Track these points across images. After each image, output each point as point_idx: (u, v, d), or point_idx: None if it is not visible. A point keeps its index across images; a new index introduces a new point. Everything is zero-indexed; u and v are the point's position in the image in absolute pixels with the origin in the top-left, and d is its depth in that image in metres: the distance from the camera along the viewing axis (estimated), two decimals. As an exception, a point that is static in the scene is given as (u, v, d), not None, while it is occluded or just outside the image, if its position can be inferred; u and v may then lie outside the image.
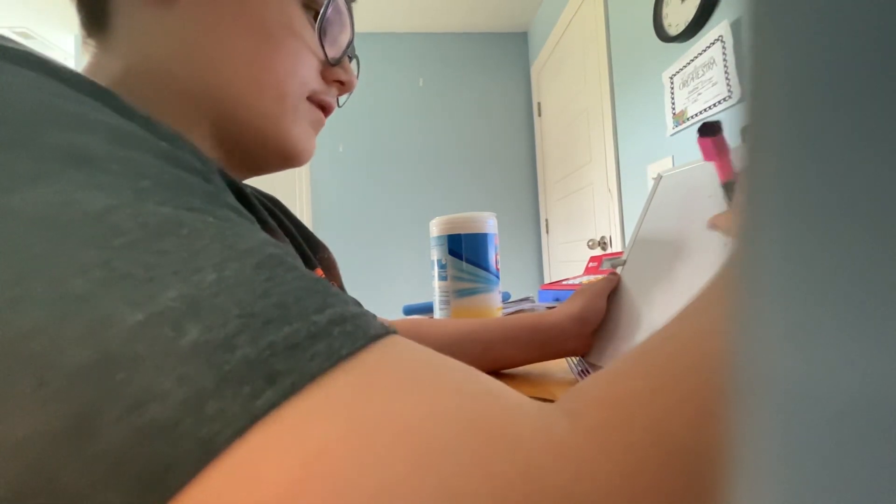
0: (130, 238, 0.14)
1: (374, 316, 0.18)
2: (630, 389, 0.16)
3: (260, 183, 2.61)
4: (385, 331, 0.16)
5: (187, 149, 0.21)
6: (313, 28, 0.35)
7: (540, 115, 2.79)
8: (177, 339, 0.12)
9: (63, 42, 2.75)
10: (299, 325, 0.14)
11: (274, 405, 0.12)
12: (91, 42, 0.33)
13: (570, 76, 2.28)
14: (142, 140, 0.18)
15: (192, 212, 0.16)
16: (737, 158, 0.40)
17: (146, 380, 0.12)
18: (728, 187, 0.40)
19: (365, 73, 2.83)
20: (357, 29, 2.93)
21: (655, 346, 0.18)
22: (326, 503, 0.11)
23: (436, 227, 0.71)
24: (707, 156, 0.41)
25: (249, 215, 0.20)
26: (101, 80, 0.30)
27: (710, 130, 0.39)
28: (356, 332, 0.15)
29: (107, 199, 0.14)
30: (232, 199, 0.20)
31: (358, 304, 0.18)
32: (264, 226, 0.29)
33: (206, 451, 0.11)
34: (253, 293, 0.14)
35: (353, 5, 0.41)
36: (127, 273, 0.13)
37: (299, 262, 0.18)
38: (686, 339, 0.17)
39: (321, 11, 0.34)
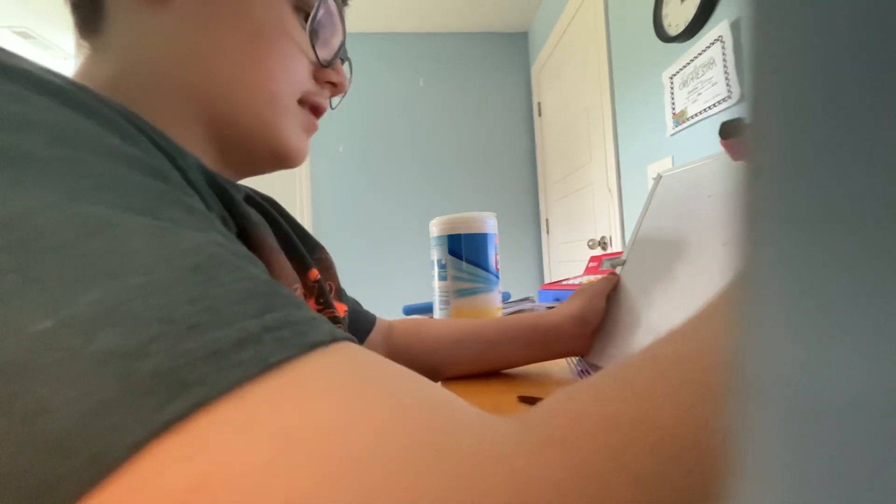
0: (53, 241, 0.13)
1: (326, 321, 0.17)
2: (593, 409, 0.15)
3: (260, 183, 2.60)
4: (331, 338, 0.16)
5: (147, 144, 0.21)
6: (304, 30, 0.35)
7: (540, 115, 2.79)
8: (85, 347, 0.12)
9: (63, 42, 2.75)
10: (227, 330, 0.13)
11: (180, 417, 0.12)
12: (85, 44, 0.33)
13: (570, 76, 2.28)
14: (89, 139, 0.17)
15: (131, 212, 0.16)
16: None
17: (42, 390, 0.11)
18: None
19: (365, 73, 2.83)
20: (357, 29, 2.90)
21: (631, 368, 0.17)
22: None
23: (436, 227, 0.71)
24: (735, 157, 0.40)
25: (207, 214, 0.20)
26: (94, 82, 0.31)
27: (729, 132, 0.39)
28: (292, 338, 0.14)
29: (32, 200, 0.14)
30: (191, 199, 0.19)
31: (311, 311, 0.17)
32: (243, 223, 0.28)
33: (98, 467, 0.11)
34: (181, 297, 0.14)
35: (346, 9, 0.42)
36: (41, 278, 0.13)
37: (254, 266, 0.17)
38: (664, 364, 0.17)
39: (312, 13, 0.34)
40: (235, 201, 0.27)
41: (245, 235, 0.27)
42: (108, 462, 0.11)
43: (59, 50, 2.80)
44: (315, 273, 0.40)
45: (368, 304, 0.64)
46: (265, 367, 0.13)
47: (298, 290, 0.32)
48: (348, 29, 0.42)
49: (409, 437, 0.13)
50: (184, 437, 0.12)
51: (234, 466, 0.11)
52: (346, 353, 0.16)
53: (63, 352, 0.12)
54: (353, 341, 0.17)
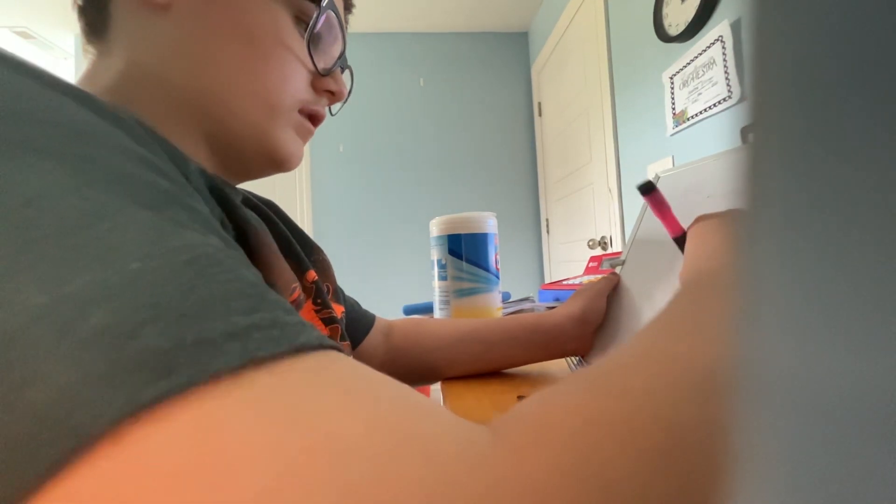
0: (56, 223, 0.14)
1: (315, 329, 0.17)
2: (565, 415, 0.16)
3: (260, 182, 2.61)
4: (318, 344, 0.16)
5: (156, 147, 0.21)
6: (304, 40, 0.35)
7: (540, 114, 2.79)
8: (77, 323, 0.12)
9: (63, 42, 2.75)
10: (218, 322, 0.14)
11: (161, 398, 0.12)
12: (90, 49, 0.34)
13: (570, 76, 2.28)
14: (102, 136, 0.18)
15: (135, 205, 0.16)
16: (679, 212, 0.43)
17: (35, 361, 0.12)
18: (679, 241, 0.42)
19: (365, 73, 2.83)
20: (357, 29, 2.90)
21: (604, 371, 0.18)
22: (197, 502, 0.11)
23: (436, 227, 0.71)
24: (655, 212, 0.43)
25: (208, 218, 0.20)
26: (98, 85, 0.32)
27: (646, 189, 0.42)
28: (280, 337, 0.15)
29: (40, 184, 0.14)
30: (194, 202, 0.20)
31: (298, 317, 0.18)
32: (242, 226, 0.29)
33: (76, 438, 0.11)
34: (175, 287, 0.14)
35: (349, 16, 0.42)
36: (42, 256, 0.13)
37: (248, 270, 0.18)
38: (641, 360, 0.17)
39: (310, 24, 0.35)
40: (234, 205, 0.28)
41: (243, 238, 0.28)
42: (86, 434, 0.11)
43: (59, 50, 2.80)
44: (313, 274, 0.41)
45: (368, 304, 0.64)
46: (252, 359, 0.13)
47: (297, 291, 0.32)
48: (350, 29, 0.42)
49: (395, 438, 0.14)
50: (164, 419, 0.12)
51: (211, 453, 0.12)
52: (333, 359, 0.16)
53: (56, 326, 0.12)
54: (340, 350, 0.17)
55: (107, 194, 0.16)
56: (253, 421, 0.12)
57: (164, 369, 0.12)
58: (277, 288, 0.28)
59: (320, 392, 0.14)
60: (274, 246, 0.30)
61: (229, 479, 0.11)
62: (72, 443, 0.11)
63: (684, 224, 0.47)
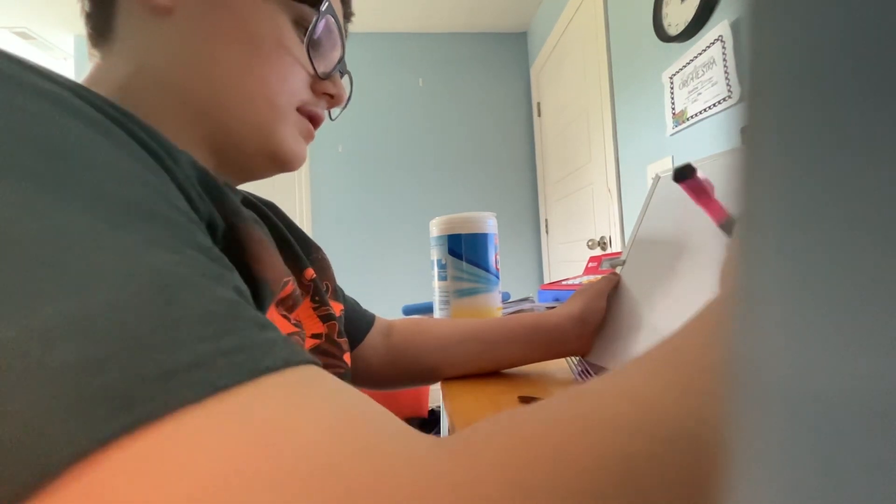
0: (24, 250, 0.14)
1: (284, 342, 0.17)
2: (507, 431, 0.16)
3: (261, 182, 2.60)
4: (283, 363, 0.16)
5: (139, 149, 0.21)
6: (303, 43, 0.36)
7: (540, 115, 2.79)
8: (43, 358, 0.12)
9: (63, 42, 2.75)
10: (181, 353, 0.14)
11: (122, 432, 0.12)
12: (96, 53, 0.35)
13: (569, 76, 2.28)
14: (80, 150, 0.18)
15: (109, 228, 0.16)
16: (725, 197, 0.38)
17: (2, 396, 0.12)
18: (726, 227, 0.37)
19: (365, 73, 2.83)
20: (357, 29, 2.90)
21: (569, 396, 0.18)
22: None
23: (436, 227, 0.71)
24: (695, 200, 0.39)
25: (187, 226, 0.20)
26: (100, 87, 0.32)
27: (682, 175, 0.37)
28: (246, 363, 0.15)
29: (12, 209, 0.15)
30: (171, 211, 0.20)
31: (275, 330, 0.18)
32: (232, 219, 0.29)
33: (38, 473, 0.11)
34: (142, 316, 0.14)
35: (349, 25, 0.43)
36: (11, 285, 0.13)
37: (222, 286, 0.18)
38: (605, 396, 0.17)
39: (309, 27, 0.36)
40: (226, 197, 0.28)
41: (234, 231, 0.28)
42: (48, 469, 0.11)
43: (59, 50, 2.80)
44: (310, 272, 0.41)
45: (368, 304, 0.64)
46: (212, 390, 0.14)
47: (290, 285, 0.32)
48: (350, 29, 0.43)
49: (341, 444, 0.14)
50: (125, 452, 0.12)
51: (165, 486, 0.12)
52: (296, 377, 0.16)
53: (21, 361, 0.12)
54: (312, 363, 0.18)
55: (78, 216, 0.16)
56: (209, 450, 0.13)
57: (125, 404, 0.13)
58: (267, 281, 0.28)
59: (277, 413, 0.15)
60: (266, 240, 0.30)
61: None
62: (34, 479, 0.11)
63: (684, 224, 0.47)
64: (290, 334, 0.32)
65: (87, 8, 0.34)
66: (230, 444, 0.13)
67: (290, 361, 0.16)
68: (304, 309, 0.40)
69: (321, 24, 0.36)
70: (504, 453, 0.15)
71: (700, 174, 0.37)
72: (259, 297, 0.27)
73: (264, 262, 0.28)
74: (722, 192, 0.43)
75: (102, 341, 0.13)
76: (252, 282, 0.27)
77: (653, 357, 0.18)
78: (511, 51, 2.96)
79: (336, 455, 0.14)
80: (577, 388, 0.18)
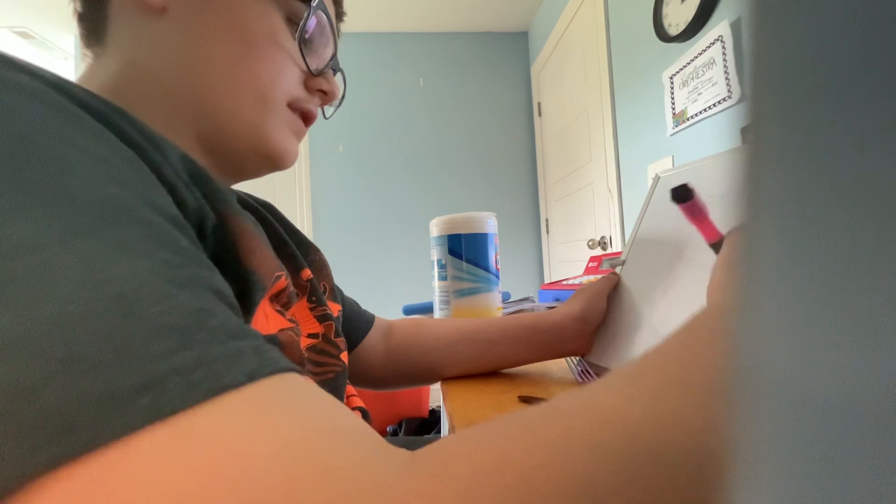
0: None
1: (256, 351, 0.16)
2: (476, 455, 0.16)
3: (261, 183, 2.61)
4: (247, 378, 0.15)
5: (117, 142, 0.20)
6: (295, 39, 0.36)
7: (540, 115, 2.79)
8: None
9: (63, 42, 2.75)
10: (132, 372, 0.13)
11: (55, 463, 0.12)
12: (89, 53, 0.35)
13: (570, 76, 2.28)
14: (48, 149, 0.17)
15: (69, 234, 0.15)
16: (717, 217, 0.40)
17: None
18: (716, 247, 0.40)
19: (365, 73, 2.83)
20: (357, 29, 2.89)
21: (537, 414, 0.17)
22: None
23: (436, 227, 0.71)
24: (689, 219, 0.40)
25: (163, 226, 0.19)
26: (93, 86, 0.32)
27: (682, 196, 0.39)
28: (203, 381, 0.14)
29: None
30: (145, 211, 0.19)
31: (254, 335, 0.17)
32: (223, 211, 0.28)
33: None
34: (92, 332, 0.13)
35: (341, 24, 0.43)
36: None
37: (187, 293, 0.17)
38: (574, 418, 0.16)
39: (301, 24, 0.36)
40: (216, 189, 0.27)
41: (225, 223, 0.27)
42: None
43: (59, 50, 2.80)
44: (307, 272, 0.41)
45: (368, 304, 0.64)
46: (159, 415, 0.13)
47: (283, 280, 0.32)
48: (350, 29, 0.43)
49: (301, 462, 0.14)
50: (60, 484, 0.11)
51: None
52: (260, 394, 0.15)
53: None
54: (286, 371, 0.17)
55: (34, 225, 0.15)
56: (150, 483, 0.12)
57: (63, 431, 0.12)
58: (258, 276, 0.27)
59: (231, 438, 0.14)
60: (258, 234, 0.29)
61: None
62: None
63: (684, 224, 0.47)
64: (284, 329, 0.31)
65: (79, 9, 0.34)
66: (175, 476, 0.12)
67: (256, 374, 0.16)
68: (301, 309, 0.40)
69: (313, 20, 0.36)
70: (470, 481, 0.14)
71: (697, 196, 0.38)
72: (250, 290, 0.27)
73: (256, 254, 0.28)
74: (721, 192, 0.43)
75: (45, 360, 0.12)
76: (243, 275, 0.26)
77: (625, 375, 0.17)
78: (511, 51, 2.96)
79: (292, 483, 0.13)
80: (549, 407, 0.17)
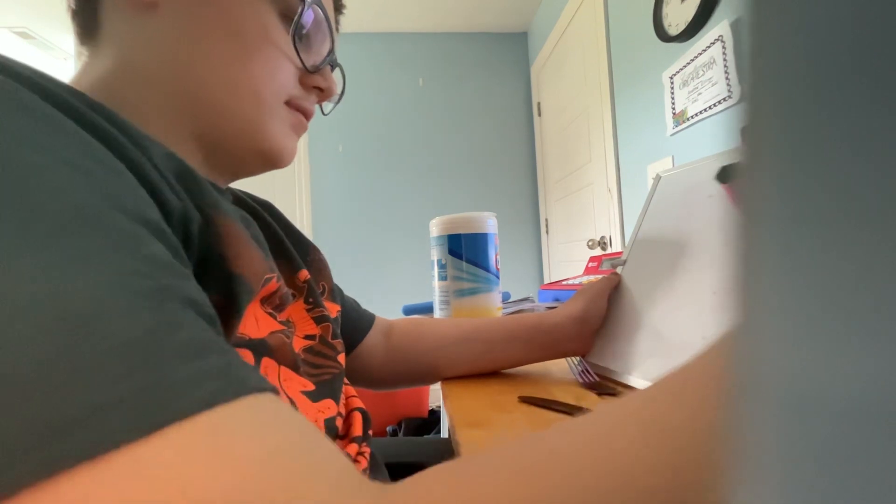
0: None
1: (222, 372, 0.15)
2: (451, 496, 0.15)
3: (261, 183, 2.61)
4: (206, 404, 0.14)
5: (91, 140, 0.20)
6: (289, 36, 0.35)
7: (540, 115, 2.79)
8: None
9: (63, 42, 2.75)
10: (67, 403, 0.12)
11: None
12: (83, 51, 0.34)
13: (570, 76, 2.28)
14: (12, 155, 0.16)
15: (27, 246, 0.14)
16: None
17: None
18: None
19: (365, 73, 2.83)
20: (356, 29, 2.89)
21: (533, 447, 0.17)
22: None
23: (436, 227, 0.71)
24: (733, 201, 0.40)
25: (135, 232, 0.18)
26: (85, 84, 0.32)
27: (726, 177, 0.38)
28: (150, 411, 0.13)
29: None
30: (115, 216, 0.18)
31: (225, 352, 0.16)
32: (210, 212, 0.27)
33: None
34: (40, 352, 0.12)
35: (341, 17, 0.42)
36: None
37: (149, 312, 0.16)
38: (553, 454, 0.16)
39: (294, 20, 0.35)
40: (204, 189, 0.26)
41: (212, 225, 0.26)
42: None
43: (59, 50, 2.80)
44: (305, 274, 0.41)
45: (368, 304, 0.64)
46: (90, 455, 0.12)
47: (274, 282, 0.31)
48: (349, 29, 0.43)
49: (258, 498, 0.13)
50: None
51: None
52: (218, 421, 0.14)
53: None
54: (255, 391, 0.16)
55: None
56: None
57: None
58: (246, 278, 0.27)
59: (178, 474, 0.13)
60: (245, 235, 0.28)
61: None
62: None
63: (684, 224, 0.47)
64: (275, 332, 0.31)
65: (73, 5, 0.34)
66: None
67: (218, 398, 0.14)
68: (298, 310, 0.39)
69: (307, 16, 0.36)
70: None
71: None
72: (237, 294, 0.26)
73: (242, 257, 0.27)
74: (721, 192, 0.42)
75: None
76: (229, 278, 0.26)
77: (634, 412, 0.16)
78: (511, 51, 2.96)
79: None
80: (548, 443, 0.16)
